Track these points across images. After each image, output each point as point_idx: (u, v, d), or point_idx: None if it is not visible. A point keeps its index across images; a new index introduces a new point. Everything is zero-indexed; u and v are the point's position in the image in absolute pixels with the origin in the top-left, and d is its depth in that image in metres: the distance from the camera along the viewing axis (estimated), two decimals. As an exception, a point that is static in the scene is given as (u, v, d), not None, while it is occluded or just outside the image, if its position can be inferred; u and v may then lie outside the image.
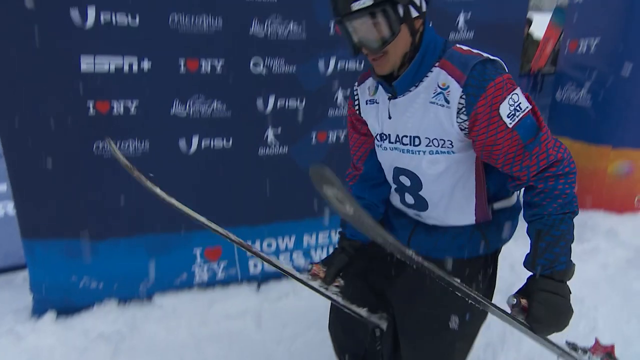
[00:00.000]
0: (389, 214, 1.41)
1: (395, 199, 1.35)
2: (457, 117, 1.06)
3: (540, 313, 1.04)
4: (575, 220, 1.09)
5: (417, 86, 1.12)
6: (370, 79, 1.26)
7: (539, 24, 5.95)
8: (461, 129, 1.08)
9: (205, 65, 2.06)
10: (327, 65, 2.27)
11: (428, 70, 1.10)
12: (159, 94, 2.01)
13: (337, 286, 1.28)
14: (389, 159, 1.25)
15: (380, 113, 1.22)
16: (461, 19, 2.43)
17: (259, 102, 2.22)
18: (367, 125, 1.30)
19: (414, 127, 1.14)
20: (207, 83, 2.08)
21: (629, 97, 3.03)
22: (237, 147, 2.24)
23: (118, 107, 1.95)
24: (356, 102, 1.31)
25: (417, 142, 1.15)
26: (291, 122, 2.30)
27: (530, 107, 1.06)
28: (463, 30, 2.45)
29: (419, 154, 1.15)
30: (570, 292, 1.07)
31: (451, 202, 1.20)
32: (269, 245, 2.49)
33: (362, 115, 1.30)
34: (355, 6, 1.01)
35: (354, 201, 0.89)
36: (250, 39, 2.10)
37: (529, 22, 4.92)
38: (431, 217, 1.26)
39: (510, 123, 1.03)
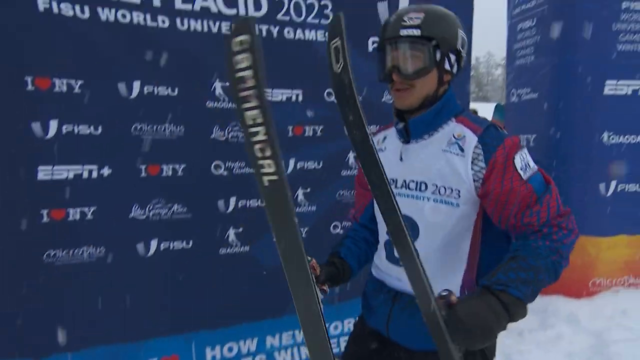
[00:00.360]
0: (367, 291, 1.40)
1: (380, 258, 1.34)
2: (472, 166, 1.12)
3: (461, 314, 0.95)
4: (537, 306, 1.08)
5: (431, 135, 1.19)
6: (382, 132, 1.34)
7: (484, 114, 6.51)
8: (474, 180, 1.12)
9: (167, 170, 2.10)
10: (286, 165, 2.37)
11: (444, 122, 1.19)
12: (118, 198, 2.01)
13: (323, 289, 1.21)
14: None
15: (388, 159, 1.23)
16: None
17: (220, 203, 2.25)
18: None
19: (423, 172, 1.18)
20: (167, 186, 2.11)
21: (566, 190, 3.27)
22: (197, 248, 2.22)
23: (74, 213, 1.93)
24: None
25: (423, 188, 1.18)
26: (253, 221, 2.32)
27: (536, 166, 1.14)
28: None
29: (422, 199, 1.18)
30: (506, 326, 0.99)
31: (441, 260, 1.18)
32: (230, 349, 2.37)
33: None
34: (404, 32, 1.12)
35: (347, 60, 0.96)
36: (211, 143, 2.18)
37: (475, 113, 5.37)
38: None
39: (524, 175, 1.10)
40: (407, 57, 1.14)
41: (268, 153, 0.80)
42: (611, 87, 3.20)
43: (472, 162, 1.12)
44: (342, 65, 0.97)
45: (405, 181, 1.22)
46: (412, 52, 1.13)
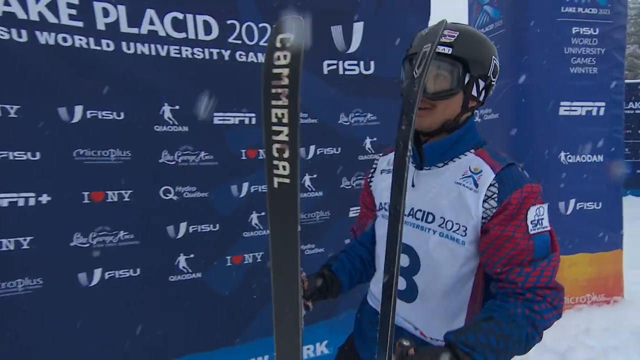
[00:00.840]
0: (362, 321, 1.33)
1: (378, 287, 1.25)
2: (484, 203, 1.04)
3: None
4: None
5: (446, 163, 1.11)
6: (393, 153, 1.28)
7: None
8: (483, 217, 1.04)
9: (112, 195, 2.04)
10: (240, 190, 2.33)
11: (462, 153, 1.11)
12: (58, 227, 1.92)
13: (306, 306, 1.16)
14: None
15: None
16: (367, 142, 2.64)
17: (170, 229, 2.18)
18: (372, 197, 1.29)
19: (432, 203, 1.10)
20: (113, 213, 2.04)
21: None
22: (145, 275, 2.14)
23: (7, 243, 1.84)
24: (372, 171, 1.32)
25: (430, 219, 1.10)
26: (204, 246, 2.26)
27: (549, 227, 1.05)
28: (370, 152, 2.65)
29: (428, 231, 1.10)
30: None
31: (442, 302, 1.12)
32: (182, 382, 2.27)
33: (371, 184, 1.30)
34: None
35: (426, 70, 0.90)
36: (160, 168, 2.13)
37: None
38: (413, 316, 1.16)
39: (532, 230, 1.01)
40: (434, 75, 1.06)
41: (286, 155, 0.77)
42: (566, 108, 3.29)
43: (484, 200, 1.04)
44: (420, 73, 0.90)
45: (412, 209, 1.14)
46: (440, 71, 1.06)
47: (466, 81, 1.07)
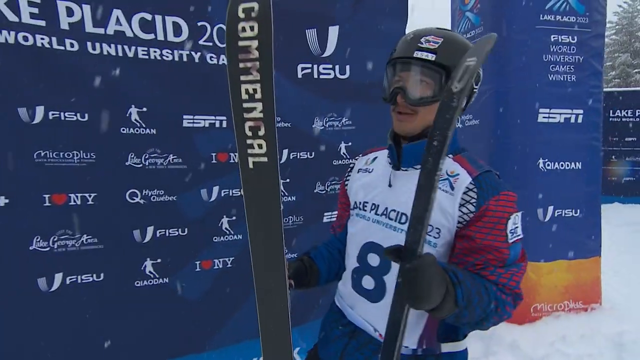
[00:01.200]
0: (326, 320, 1.33)
1: (345, 286, 1.26)
2: (461, 207, 1.04)
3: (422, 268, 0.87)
4: (482, 332, 1.02)
5: None
6: (374, 152, 1.28)
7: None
8: (459, 222, 1.05)
9: (75, 198, 1.99)
10: (210, 194, 2.29)
11: None
12: (16, 230, 1.87)
13: (290, 284, 1.13)
14: (364, 231, 1.18)
15: (374, 182, 1.20)
16: (342, 147, 2.62)
17: (136, 233, 2.14)
18: (347, 196, 1.29)
19: (407, 204, 1.07)
20: (76, 216, 1.99)
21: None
22: (110, 280, 2.09)
23: (-40, 248, 1.79)
24: (349, 171, 1.32)
25: (403, 220, 1.10)
26: (172, 251, 2.22)
27: (522, 235, 1.07)
28: (345, 156, 2.63)
29: (400, 232, 1.10)
30: (438, 303, 0.90)
31: None
32: (147, 390, 2.22)
33: (347, 183, 1.30)
34: (419, 54, 1.04)
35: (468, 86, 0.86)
36: (126, 171, 2.09)
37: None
38: (375, 317, 1.16)
39: (510, 239, 1.03)
40: (416, 81, 1.06)
41: (261, 132, 0.74)
42: (544, 115, 3.29)
43: (461, 205, 1.05)
44: (461, 88, 0.86)
45: (387, 209, 1.14)
46: (423, 77, 1.06)
47: None
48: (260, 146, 0.74)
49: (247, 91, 0.73)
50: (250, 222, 0.79)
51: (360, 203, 1.22)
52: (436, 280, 0.88)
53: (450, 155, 1.13)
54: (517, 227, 1.06)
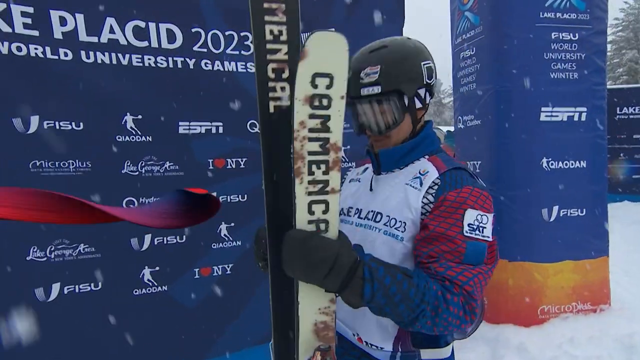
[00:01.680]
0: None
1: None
2: (423, 198, 1.06)
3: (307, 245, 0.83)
4: (489, 336, 0.95)
5: (401, 169, 1.16)
6: (366, 164, 1.29)
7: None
8: (422, 213, 1.06)
9: (71, 208, 1.98)
10: (207, 200, 2.27)
11: (416, 158, 1.15)
12: (12, 241, 1.87)
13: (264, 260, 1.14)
14: (348, 235, 1.17)
15: (359, 189, 1.23)
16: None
17: (134, 241, 2.13)
18: None
19: (383, 204, 1.13)
20: (72, 226, 1.98)
21: (514, 214, 3.26)
22: (108, 289, 2.08)
23: (-44, 258, 1.79)
24: (342, 181, 1.34)
25: (378, 219, 1.13)
26: (170, 259, 2.20)
27: (490, 239, 1.01)
28: (345, 160, 2.60)
29: (376, 231, 1.12)
30: (328, 285, 0.85)
31: None
32: (147, 399, 2.20)
33: (340, 193, 1.31)
34: (365, 92, 1.07)
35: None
36: (122, 179, 2.08)
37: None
38: (355, 320, 1.16)
39: (467, 232, 0.98)
40: (375, 113, 1.10)
41: (285, 75, 0.72)
42: (547, 114, 3.24)
43: (424, 196, 1.06)
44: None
45: (368, 212, 1.17)
46: (379, 107, 1.09)
47: (407, 103, 1.10)
48: (283, 89, 0.72)
49: (271, 32, 0.71)
50: (265, 167, 0.79)
51: (345, 209, 1.25)
52: (320, 260, 0.82)
53: (427, 156, 1.16)
54: (482, 227, 1.00)
